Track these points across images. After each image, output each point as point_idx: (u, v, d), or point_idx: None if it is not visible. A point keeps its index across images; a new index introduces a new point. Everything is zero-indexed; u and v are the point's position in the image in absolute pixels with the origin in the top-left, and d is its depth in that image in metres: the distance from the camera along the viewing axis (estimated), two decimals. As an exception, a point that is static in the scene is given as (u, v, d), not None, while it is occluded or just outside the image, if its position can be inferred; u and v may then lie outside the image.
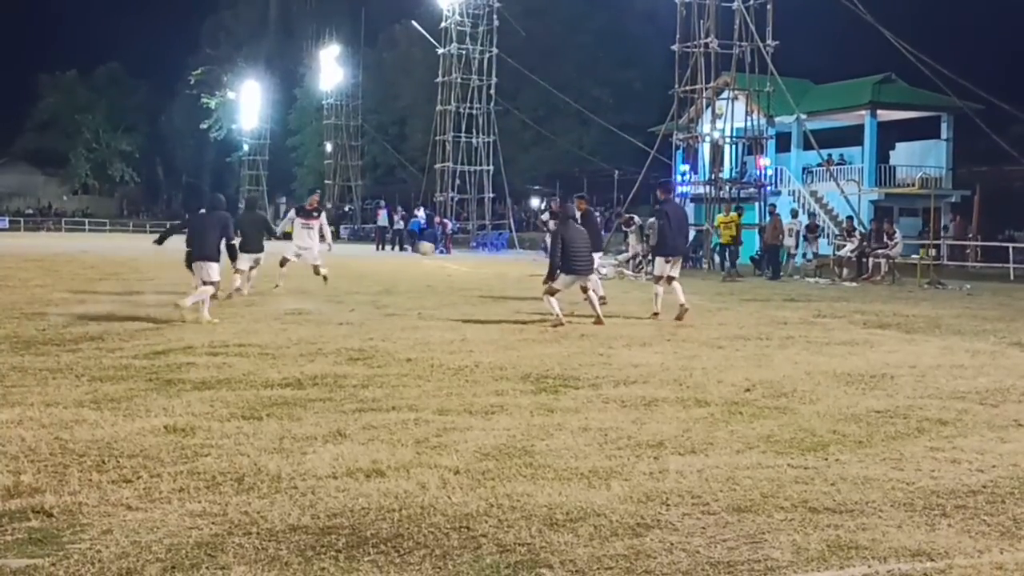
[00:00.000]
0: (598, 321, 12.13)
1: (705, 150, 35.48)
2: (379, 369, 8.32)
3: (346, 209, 67.63)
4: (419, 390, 7.37)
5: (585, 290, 12.45)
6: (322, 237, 17.16)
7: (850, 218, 28.84)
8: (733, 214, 27.59)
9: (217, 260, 12.31)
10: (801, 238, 27.48)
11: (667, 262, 13.25)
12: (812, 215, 34.64)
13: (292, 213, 17.56)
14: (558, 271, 12.18)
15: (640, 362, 8.94)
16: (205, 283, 12.01)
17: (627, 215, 27.03)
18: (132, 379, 7.64)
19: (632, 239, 24.96)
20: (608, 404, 6.96)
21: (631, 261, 25.11)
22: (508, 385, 7.65)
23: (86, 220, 75.23)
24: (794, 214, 29.14)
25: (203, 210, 13.57)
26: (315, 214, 16.99)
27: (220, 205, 13.09)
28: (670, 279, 13.17)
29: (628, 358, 9.21)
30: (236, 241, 12.89)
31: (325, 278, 16.54)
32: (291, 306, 13.61)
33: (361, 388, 7.39)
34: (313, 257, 16.82)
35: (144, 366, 8.25)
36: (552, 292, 12.19)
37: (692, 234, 26.89)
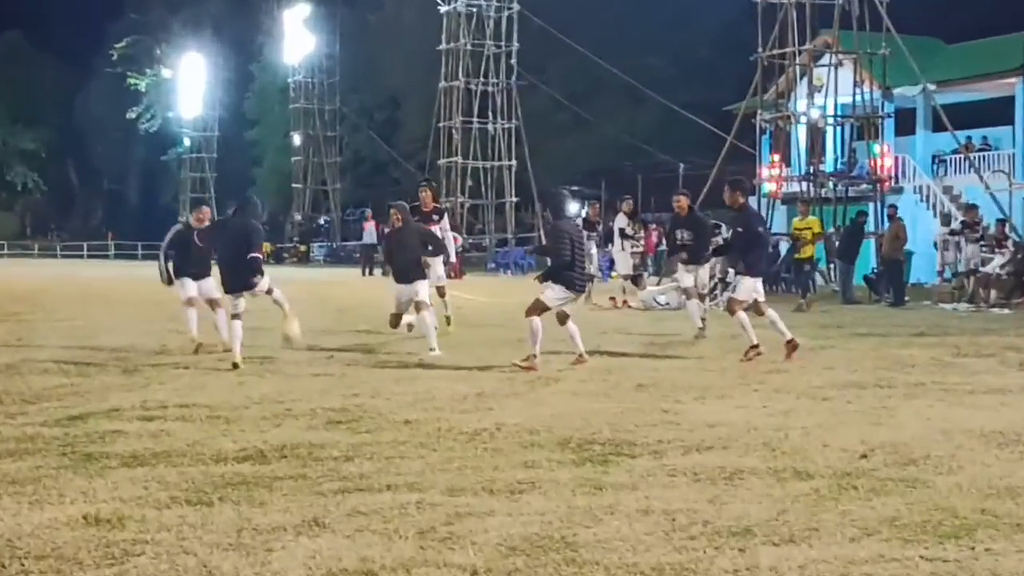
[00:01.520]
0: (580, 360, 12.53)
1: (800, 134, 35.48)
2: (368, 435, 8.34)
3: (320, 222, 67.98)
4: (422, 463, 7.38)
5: (564, 320, 12.66)
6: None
7: (1001, 222, 28.66)
8: (812, 218, 27.35)
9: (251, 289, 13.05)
10: (960, 244, 26.98)
11: (756, 284, 13.55)
12: (972, 206, 34.01)
13: None
14: (552, 281, 12.51)
15: (718, 420, 8.93)
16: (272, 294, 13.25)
17: (712, 223, 26.96)
18: (40, 453, 7.68)
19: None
20: (675, 478, 6.95)
21: (707, 284, 25.01)
22: (541, 454, 7.65)
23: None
24: (946, 221, 28.99)
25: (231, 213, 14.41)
26: (435, 216, 16.36)
27: (250, 210, 13.81)
28: (758, 305, 13.42)
29: (702, 415, 9.20)
30: (259, 254, 13.27)
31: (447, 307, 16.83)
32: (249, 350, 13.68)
33: (344, 461, 7.41)
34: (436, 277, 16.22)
35: (56, 436, 8.30)
36: (541, 310, 12.40)
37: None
